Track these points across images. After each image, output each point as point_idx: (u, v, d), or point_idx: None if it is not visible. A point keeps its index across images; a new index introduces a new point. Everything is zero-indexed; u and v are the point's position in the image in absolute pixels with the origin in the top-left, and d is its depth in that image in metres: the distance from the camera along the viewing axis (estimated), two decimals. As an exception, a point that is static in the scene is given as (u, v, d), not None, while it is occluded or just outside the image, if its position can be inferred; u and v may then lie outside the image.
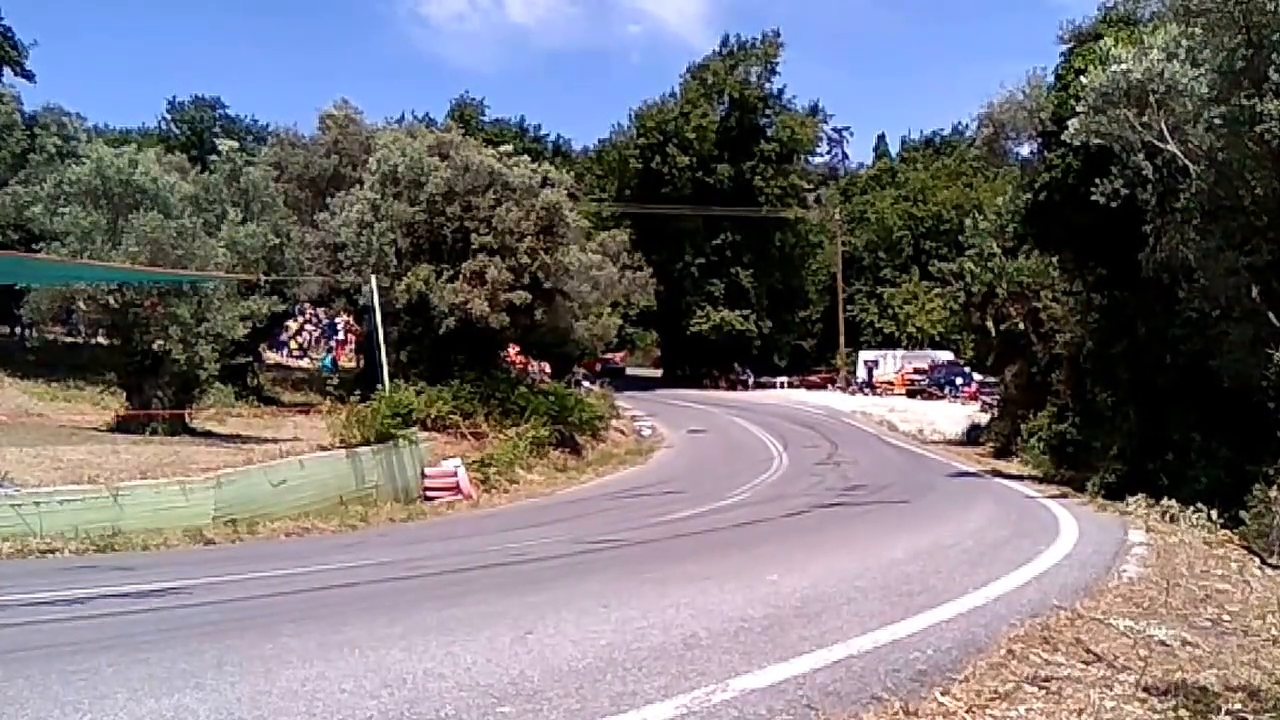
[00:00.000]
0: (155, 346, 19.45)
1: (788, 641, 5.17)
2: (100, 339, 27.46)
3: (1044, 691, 4.40)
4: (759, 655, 4.85)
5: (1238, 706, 4.10)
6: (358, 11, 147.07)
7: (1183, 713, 3.95)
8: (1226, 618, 6.09)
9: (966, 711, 4.08)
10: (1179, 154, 12.89)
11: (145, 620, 6.69)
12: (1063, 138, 14.89)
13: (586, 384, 41.17)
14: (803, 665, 4.67)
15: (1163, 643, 5.32)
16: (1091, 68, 14.21)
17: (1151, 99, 12.69)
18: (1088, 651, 5.09)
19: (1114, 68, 13.07)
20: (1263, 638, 5.60)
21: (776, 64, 63.94)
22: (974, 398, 42.89)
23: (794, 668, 4.61)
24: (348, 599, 7.51)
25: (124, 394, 21.31)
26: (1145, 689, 4.42)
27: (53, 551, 11.03)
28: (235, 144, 28.02)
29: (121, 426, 19.81)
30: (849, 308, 64.44)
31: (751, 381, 59.88)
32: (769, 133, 63.19)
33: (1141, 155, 14.21)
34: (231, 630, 5.99)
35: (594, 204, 57.89)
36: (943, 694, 4.29)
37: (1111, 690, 4.40)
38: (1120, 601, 6.41)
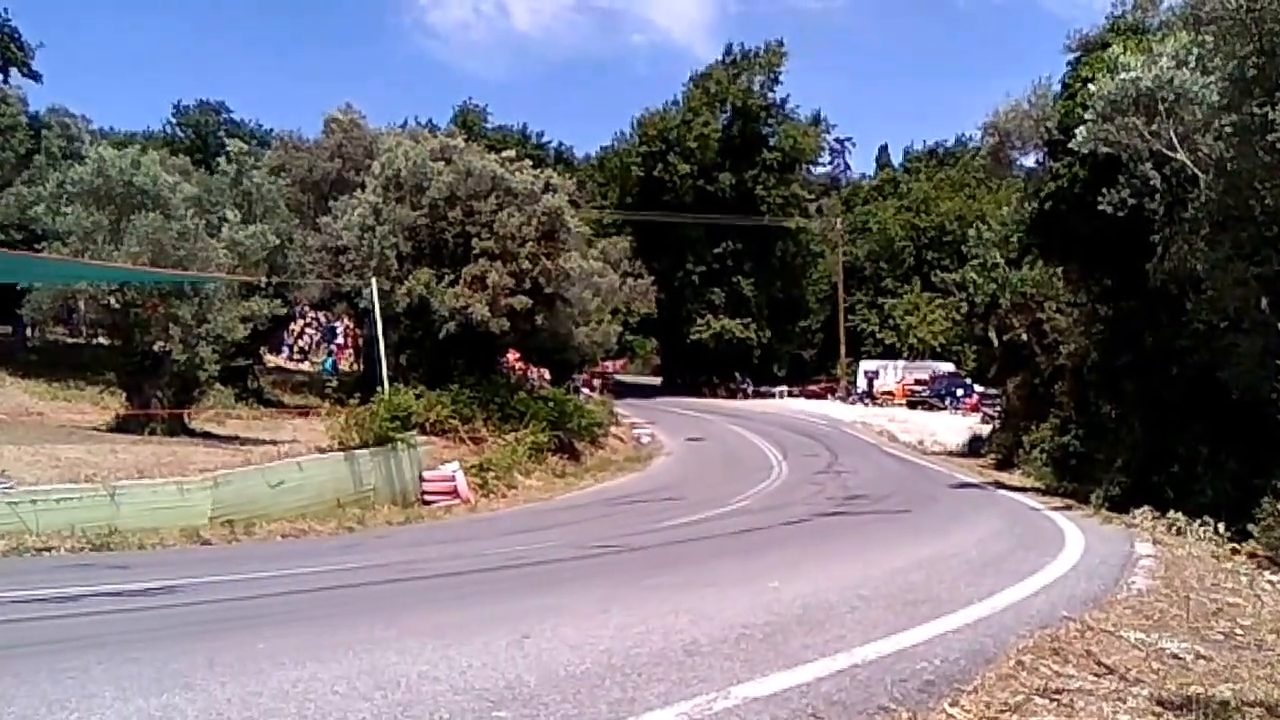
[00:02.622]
0: (156, 347, 19.40)
1: (790, 649, 5.05)
2: (101, 339, 27.45)
3: (1055, 704, 4.27)
4: (761, 663, 4.73)
5: (1253, 723, 3.98)
6: (364, 19, 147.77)
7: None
8: (1239, 631, 5.97)
9: (976, 723, 3.97)
10: (1188, 163, 12.80)
11: (138, 619, 6.59)
12: (1070, 145, 14.81)
13: (586, 390, 41.08)
14: (806, 674, 4.54)
15: (1175, 656, 5.20)
16: (1100, 75, 14.15)
17: (1161, 107, 12.61)
18: (1099, 664, 4.97)
19: (1123, 75, 12.98)
20: (1278, 652, 5.47)
21: (779, 73, 63.99)
22: (975, 409, 42.81)
23: (797, 676, 4.49)
24: (343, 601, 7.39)
25: (124, 394, 21.27)
26: (1160, 703, 4.30)
27: (48, 549, 10.94)
28: (243, 145, 28.05)
29: (121, 426, 19.75)
30: (850, 318, 64.36)
31: (751, 390, 59.77)
32: (771, 142, 63.18)
33: (1149, 164, 14.13)
34: (224, 630, 5.88)
35: (595, 211, 57.83)
36: (951, 705, 4.17)
37: (1125, 704, 4.28)
38: (1130, 614, 6.29)
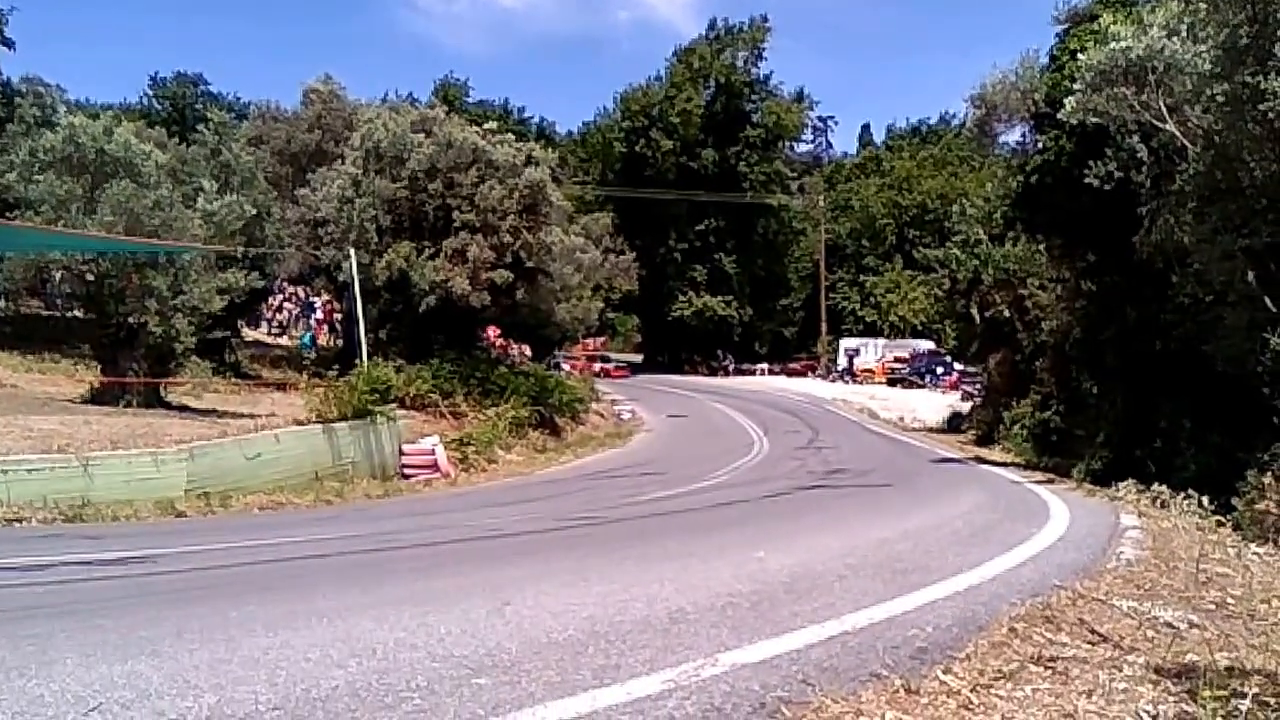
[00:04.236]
0: (131, 319, 19.03)
1: (778, 617, 4.95)
2: (76, 312, 26.96)
3: (1050, 671, 4.18)
4: (749, 630, 4.63)
5: (1256, 690, 3.89)
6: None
7: (1205, 694, 3.74)
8: (1231, 601, 5.90)
9: (970, 690, 3.86)
10: (1178, 134, 12.69)
11: (107, 588, 6.41)
12: (1059, 116, 14.68)
13: (566, 367, 40.95)
14: (796, 641, 4.44)
15: (1169, 624, 5.12)
16: (1090, 45, 14.01)
17: (1151, 77, 12.47)
18: (1092, 632, 4.89)
19: (1113, 45, 12.84)
20: (1270, 622, 5.40)
21: (763, 49, 63.75)
22: (954, 387, 43.03)
23: (786, 643, 4.39)
24: (319, 570, 7.23)
25: (99, 366, 20.87)
26: (1156, 671, 4.21)
27: (19, 521, 10.75)
28: (227, 115, 27.48)
29: (96, 398, 19.40)
30: (831, 296, 64.46)
31: (732, 368, 59.85)
32: (754, 118, 62.92)
33: (1136, 137, 14.04)
34: (196, 599, 5.71)
35: (577, 187, 57.48)
36: (944, 672, 4.07)
37: (1121, 671, 4.19)
38: (1120, 583, 6.22)
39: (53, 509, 11.11)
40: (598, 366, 50.85)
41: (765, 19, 63.62)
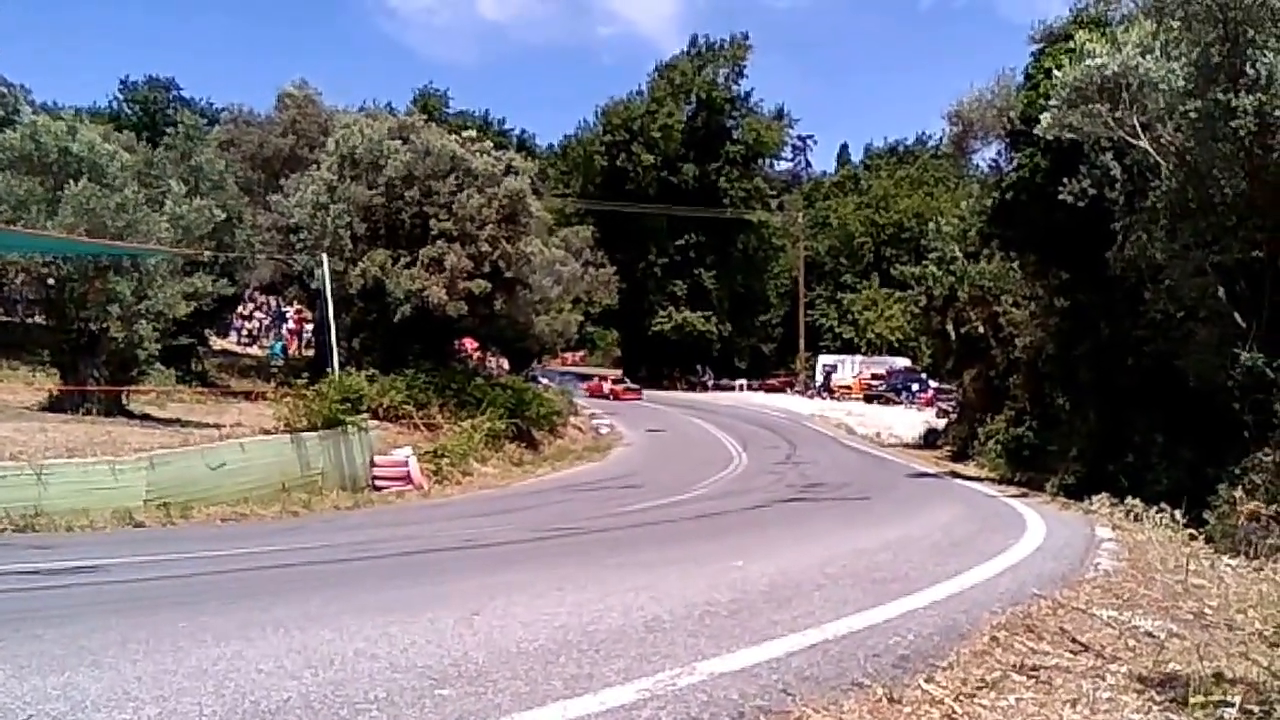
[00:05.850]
0: (92, 325, 18.59)
1: (757, 626, 4.81)
2: (38, 318, 26.40)
3: (1033, 681, 4.07)
4: (727, 639, 4.48)
5: (1239, 699, 3.80)
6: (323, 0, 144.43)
7: (1195, 700, 3.63)
8: (1209, 611, 5.85)
9: (954, 700, 3.73)
10: (1151, 151, 12.78)
11: (52, 597, 6.14)
12: (1034, 132, 14.76)
13: (546, 380, 40.70)
14: (775, 649, 4.30)
15: (1149, 634, 5.04)
16: (1066, 63, 14.10)
17: (1125, 94, 12.54)
18: (1074, 641, 4.79)
19: (1088, 62, 12.93)
20: (1248, 631, 5.34)
21: (744, 66, 64.16)
22: (930, 404, 43.21)
23: (766, 651, 4.25)
24: (280, 580, 7.00)
25: (58, 373, 20.38)
26: (1140, 680, 4.11)
27: (-33, 530, 10.34)
28: (200, 120, 27.16)
29: (54, 405, 18.91)
30: (809, 312, 64.66)
31: (711, 383, 59.89)
32: (735, 135, 63.23)
33: (1110, 154, 14.14)
34: (145, 608, 5.48)
35: (557, 199, 57.38)
36: (927, 681, 3.95)
37: (1104, 680, 4.09)
38: (1099, 593, 6.15)
39: (2, 518, 10.74)
40: (607, 388, 50.13)
41: (746, 37, 64.16)
